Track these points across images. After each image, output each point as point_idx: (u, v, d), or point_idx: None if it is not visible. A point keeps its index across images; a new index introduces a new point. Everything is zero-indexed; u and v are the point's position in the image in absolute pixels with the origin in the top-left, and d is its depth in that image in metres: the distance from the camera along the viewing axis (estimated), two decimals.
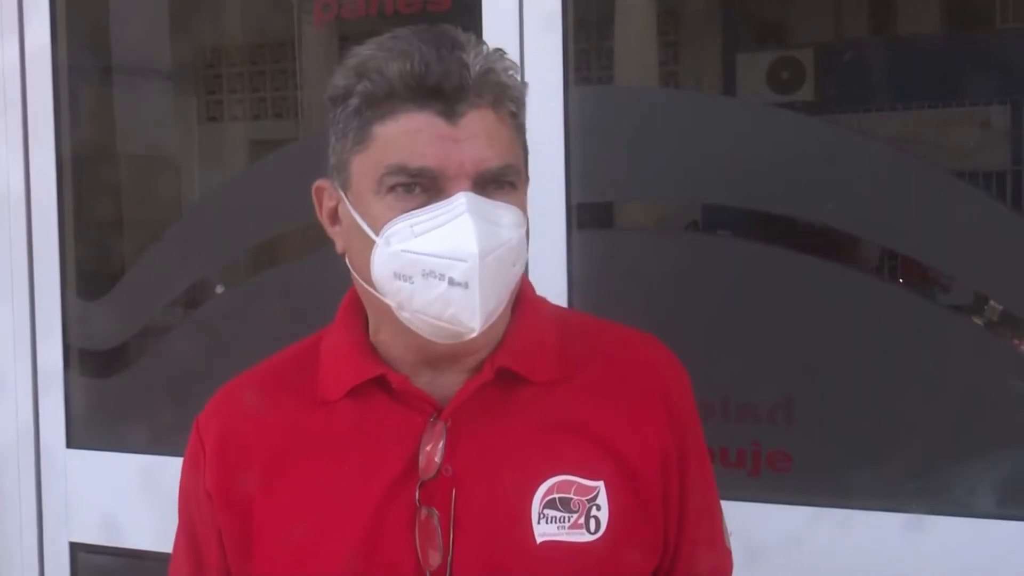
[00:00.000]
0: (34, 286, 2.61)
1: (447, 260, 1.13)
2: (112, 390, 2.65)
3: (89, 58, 2.80)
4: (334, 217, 1.26)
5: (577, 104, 2.09)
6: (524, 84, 1.22)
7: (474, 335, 1.16)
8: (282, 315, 2.30)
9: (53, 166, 2.59)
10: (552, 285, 2.03)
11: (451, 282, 1.14)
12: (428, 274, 1.14)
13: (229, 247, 2.60)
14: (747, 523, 1.84)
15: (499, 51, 1.20)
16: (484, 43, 1.19)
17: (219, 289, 2.71)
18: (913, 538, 1.84)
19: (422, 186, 1.15)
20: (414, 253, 1.14)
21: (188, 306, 2.64)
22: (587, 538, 1.21)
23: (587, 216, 2.12)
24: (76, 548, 2.60)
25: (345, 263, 1.26)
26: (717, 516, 1.38)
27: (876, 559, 1.87)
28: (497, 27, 2.10)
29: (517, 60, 2.04)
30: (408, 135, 1.15)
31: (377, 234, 1.16)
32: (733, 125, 2.08)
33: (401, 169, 1.15)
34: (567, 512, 1.21)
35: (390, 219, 1.16)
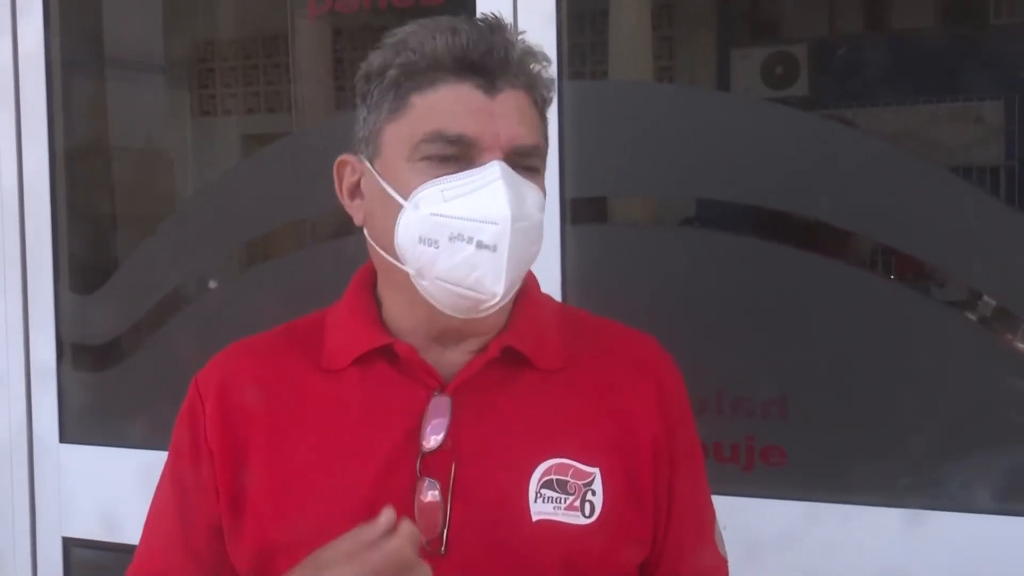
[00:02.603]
0: (27, 280, 2.61)
1: (478, 223, 1.16)
2: (106, 385, 2.65)
3: (82, 52, 2.80)
4: (354, 192, 1.29)
5: (571, 98, 2.09)
6: (553, 81, 1.27)
7: (495, 300, 1.19)
8: (275, 310, 2.30)
9: (46, 160, 2.59)
10: (546, 280, 2.01)
11: (479, 245, 1.16)
12: (456, 237, 1.17)
13: (223, 242, 2.60)
14: (741, 518, 1.84)
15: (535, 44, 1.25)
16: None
17: (212, 284, 2.71)
18: (907, 533, 1.84)
19: (456, 156, 1.18)
20: (444, 216, 1.17)
21: (181, 301, 2.64)
22: (581, 521, 1.23)
23: (581, 211, 2.12)
24: (69, 543, 2.60)
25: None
26: (707, 516, 1.40)
27: (870, 554, 1.87)
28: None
29: None
30: (447, 103, 1.19)
31: (406, 199, 1.19)
32: (728, 120, 2.08)
33: (439, 135, 1.18)
34: (563, 493, 1.23)
35: (420, 183, 1.19)
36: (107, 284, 2.66)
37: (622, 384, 1.30)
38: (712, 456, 1.97)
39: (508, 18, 2.07)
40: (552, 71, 1.28)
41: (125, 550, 2.46)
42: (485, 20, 1.22)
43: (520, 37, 1.23)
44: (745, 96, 3.14)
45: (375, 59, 1.24)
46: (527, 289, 1.32)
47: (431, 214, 1.17)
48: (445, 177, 1.18)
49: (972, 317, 2.00)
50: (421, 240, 1.18)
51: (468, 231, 1.16)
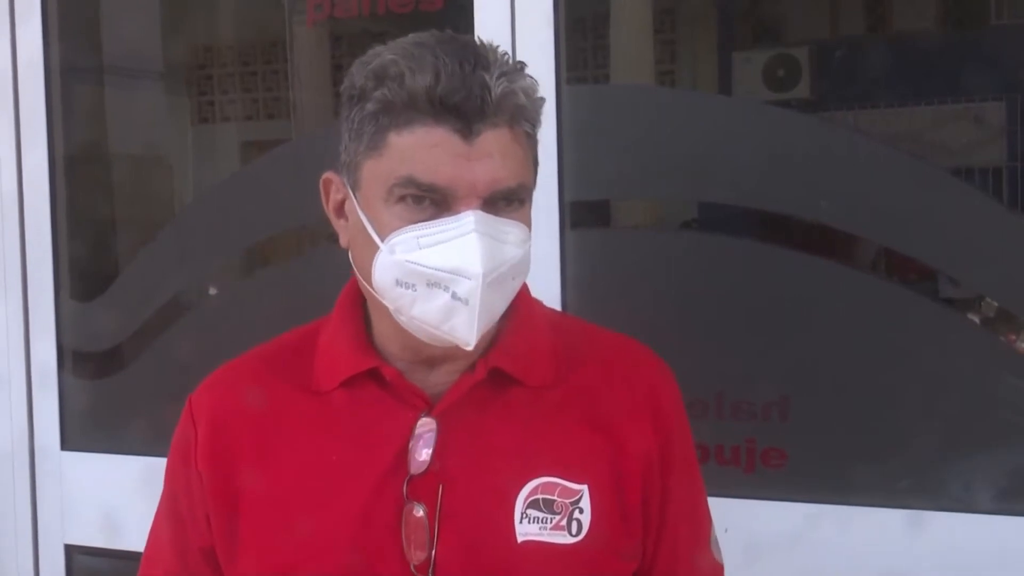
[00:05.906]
0: (27, 287, 2.61)
1: (451, 275, 1.15)
2: (107, 392, 2.65)
3: (81, 58, 2.80)
4: (340, 210, 1.27)
5: (570, 103, 2.09)
6: (541, 100, 1.23)
7: (469, 347, 1.18)
8: (276, 316, 2.30)
9: (46, 166, 2.58)
10: (546, 284, 2.02)
11: (454, 296, 1.15)
12: (432, 284, 1.16)
13: (223, 248, 2.60)
14: (742, 520, 1.84)
15: (520, 65, 1.21)
16: (506, 56, 1.20)
17: (212, 290, 2.71)
18: (909, 535, 1.83)
19: (432, 200, 1.16)
20: (419, 265, 1.16)
21: (182, 307, 2.64)
22: (568, 540, 1.23)
23: (581, 215, 2.11)
24: (71, 550, 2.60)
25: (347, 256, 1.27)
26: (703, 522, 1.38)
27: (871, 555, 1.86)
28: (489, 26, 2.09)
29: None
30: (423, 149, 1.16)
31: (383, 240, 1.18)
32: (729, 123, 2.08)
33: (411, 182, 1.16)
34: (550, 513, 1.23)
35: (397, 228, 1.17)
36: (107, 291, 2.66)
37: (615, 398, 1.29)
38: (713, 458, 1.97)
39: (504, 21, 2.09)
40: (539, 90, 1.23)
41: (127, 557, 2.47)
42: (466, 52, 1.16)
43: (504, 67, 1.18)
44: (747, 99, 3.15)
45: (357, 78, 1.20)
46: (517, 301, 1.30)
47: (406, 260, 1.16)
48: (421, 224, 1.16)
49: (973, 318, 1.99)
50: (398, 283, 1.18)
51: (444, 281, 1.15)
